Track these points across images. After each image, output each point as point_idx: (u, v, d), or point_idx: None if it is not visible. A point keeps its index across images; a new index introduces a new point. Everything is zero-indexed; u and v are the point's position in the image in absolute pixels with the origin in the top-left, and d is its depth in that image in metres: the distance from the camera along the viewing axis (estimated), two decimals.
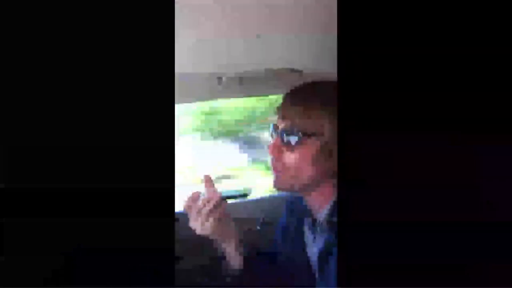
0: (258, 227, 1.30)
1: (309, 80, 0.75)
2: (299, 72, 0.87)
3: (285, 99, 0.73)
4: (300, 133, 0.68)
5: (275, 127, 0.73)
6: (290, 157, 0.70)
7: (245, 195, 0.74)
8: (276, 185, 0.73)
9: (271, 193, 1.36)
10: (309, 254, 0.78)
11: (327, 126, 0.68)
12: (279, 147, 0.71)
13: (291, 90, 0.74)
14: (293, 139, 0.69)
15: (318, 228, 0.74)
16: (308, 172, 0.70)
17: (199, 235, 0.71)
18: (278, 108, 0.74)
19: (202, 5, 0.59)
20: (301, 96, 0.71)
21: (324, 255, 0.70)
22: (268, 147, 0.72)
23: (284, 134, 0.70)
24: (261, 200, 1.35)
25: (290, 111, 0.70)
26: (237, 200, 0.81)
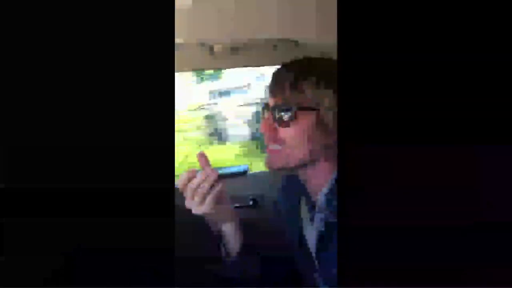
0: (251, 203, 1.26)
1: (306, 52, 0.72)
2: (295, 42, 0.81)
3: (274, 75, 0.70)
4: (293, 108, 0.65)
5: (266, 105, 0.70)
6: (283, 134, 0.67)
7: (243, 173, 0.71)
8: (268, 165, 0.70)
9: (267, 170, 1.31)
10: (305, 235, 0.75)
11: (321, 100, 0.65)
12: (271, 124, 0.68)
13: (281, 66, 0.70)
14: (286, 115, 0.65)
15: (317, 209, 0.70)
16: (303, 149, 0.66)
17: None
18: (268, 86, 0.70)
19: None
20: (292, 71, 0.67)
21: (323, 238, 0.68)
22: (260, 125, 0.69)
23: (276, 111, 0.66)
24: (257, 177, 1.27)
25: (281, 86, 0.67)
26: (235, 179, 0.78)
